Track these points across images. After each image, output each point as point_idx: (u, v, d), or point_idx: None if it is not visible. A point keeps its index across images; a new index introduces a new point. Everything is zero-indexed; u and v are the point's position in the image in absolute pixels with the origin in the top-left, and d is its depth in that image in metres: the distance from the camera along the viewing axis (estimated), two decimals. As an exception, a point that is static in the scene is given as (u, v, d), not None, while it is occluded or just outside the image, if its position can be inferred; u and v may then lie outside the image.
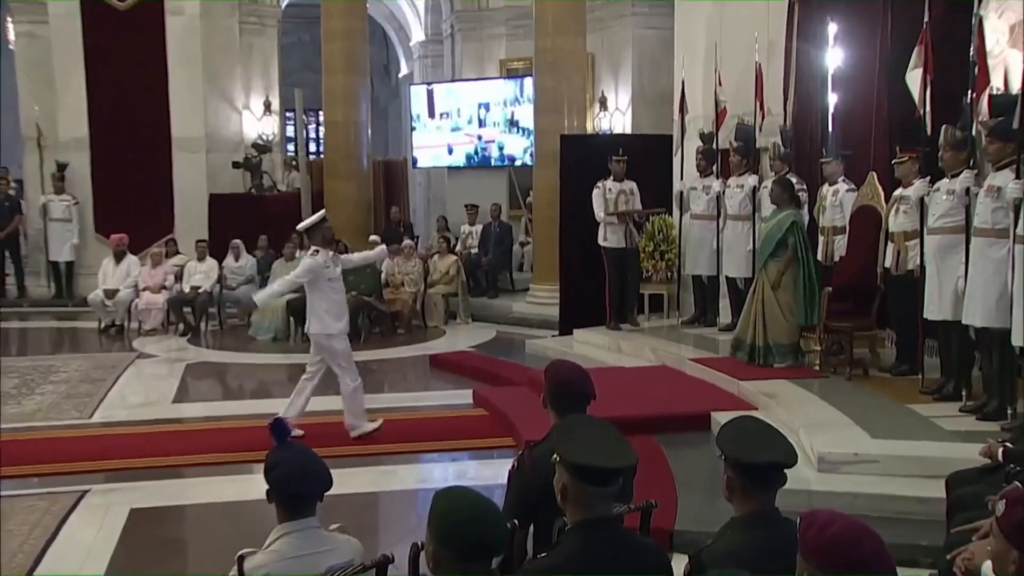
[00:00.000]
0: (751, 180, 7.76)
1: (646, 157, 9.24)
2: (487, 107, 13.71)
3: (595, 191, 7.90)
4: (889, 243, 6.24)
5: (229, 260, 10.85)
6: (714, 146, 8.35)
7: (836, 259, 7.00)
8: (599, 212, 7.87)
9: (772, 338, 6.60)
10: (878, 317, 6.55)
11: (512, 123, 13.63)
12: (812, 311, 6.49)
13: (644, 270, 8.63)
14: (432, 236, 12.83)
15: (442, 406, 6.71)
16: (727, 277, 8.12)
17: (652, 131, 10.68)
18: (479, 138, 13.96)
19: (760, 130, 7.93)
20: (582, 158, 9.21)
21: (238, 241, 10.95)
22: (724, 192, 8.12)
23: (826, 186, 7.23)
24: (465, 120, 13.99)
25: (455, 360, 8.55)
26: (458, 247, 12.49)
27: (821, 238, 7.22)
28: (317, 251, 5.84)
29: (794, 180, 7.50)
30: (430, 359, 8.66)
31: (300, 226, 6.06)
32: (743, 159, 7.96)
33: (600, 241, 8.01)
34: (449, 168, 14.20)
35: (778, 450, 2.04)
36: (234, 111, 12.93)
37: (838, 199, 7.03)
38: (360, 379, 5.98)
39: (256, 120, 13.15)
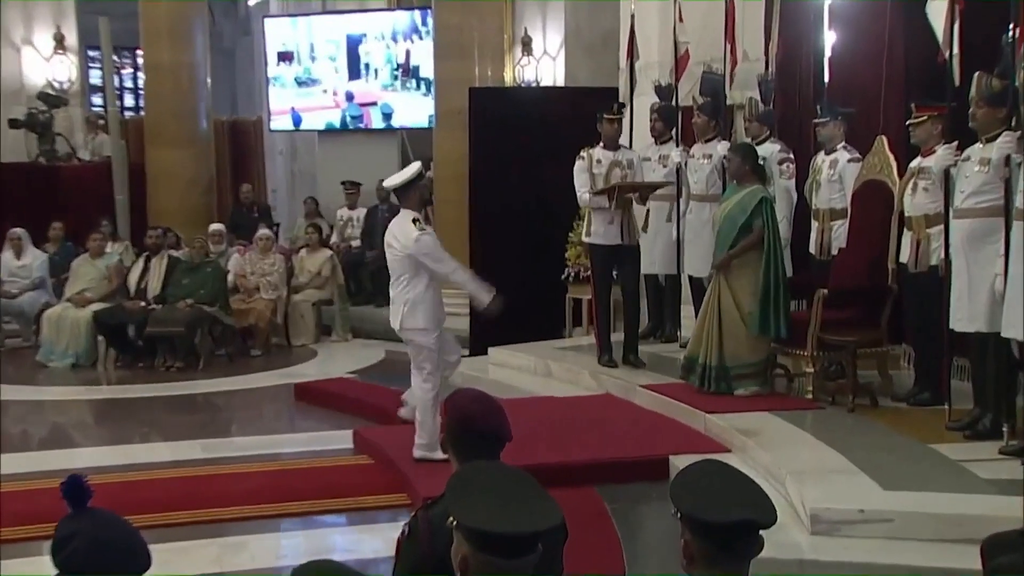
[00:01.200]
0: (721, 147, 7.81)
1: (583, 118, 9.27)
2: (363, 41, 12.80)
3: (577, 164, 7.67)
4: (904, 230, 6.40)
5: (7, 257, 10.69)
6: (673, 102, 8.48)
7: (834, 252, 7.16)
8: (582, 194, 7.61)
9: (730, 355, 6.73)
10: (890, 329, 6.71)
11: (406, 72, 12.82)
12: (773, 320, 6.63)
13: (577, 267, 8.91)
14: (298, 224, 13.01)
15: (311, 453, 6.76)
16: (690, 277, 8.22)
17: (591, 83, 10.76)
18: (349, 98, 13.09)
19: (733, 81, 8.11)
20: (499, 119, 9.41)
21: (20, 230, 10.75)
22: (686, 164, 8.22)
23: (821, 155, 7.36)
24: (325, 68, 12.99)
25: (330, 390, 8.62)
26: (334, 238, 12.48)
27: (815, 224, 7.38)
28: (418, 221, 6.13)
29: (778, 148, 7.77)
30: (295, 389, 8.70)
31: (389, 182, 6.26)
32: (711, 120, 8.06)
33: (584, 236, 7.82)
34: (320, 132, 13.84)
35: (750, 504, 2.04)
36: (9, 47, 12.67)
37: (836, 172, 7.21)
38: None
39: (43, 61, 12.87)
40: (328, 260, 11.09)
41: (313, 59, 13.17)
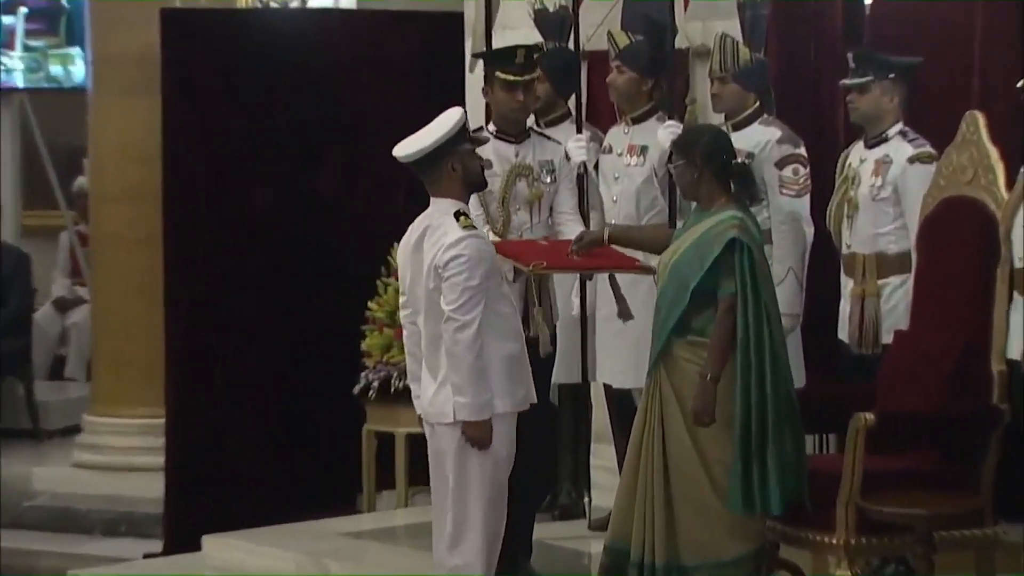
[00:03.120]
0: (666, 134, 7.80)
1: (396, 75, 9.61)
2: None
3: None
4: (1015, 295, 6.55)
5: None
6: (569, 44, 8.53)
7: (887, 340, 7.36)
8: None
9: (688, 544, 6.71)
10: (997, 493, 6.71)
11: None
12: (758, 481, 6.60)
13: (385, 370, 9.17)
14: None
15: None
16: (608, 389, 8.37)
17: (407, 5, 11.05)
18: None
19: (686, 5, 8.30)
20: (224, 71, 9.75)
21: None
22: (596, 167, 8.36)
23: (858, 149, 7.61)
24: None
25: None
26: None
27: (848, 284, 7.58)
28: (463, 215, 6.53)
29: (776, 134, 7.90)
30: None
31: (403, 149, 6.54)
32: (644, 79, 8.16)
33: None
34: None
35: None
36: None
37: (888, 182, 7.42)
38: None
39: None
40: None
41: None
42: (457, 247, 6.36)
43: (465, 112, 6.60)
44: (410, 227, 6.65)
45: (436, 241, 6.45)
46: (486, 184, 6.92)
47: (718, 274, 6.61)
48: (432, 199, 6.60)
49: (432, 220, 6.56)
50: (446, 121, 6.56)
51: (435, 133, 6.53)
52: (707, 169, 6.77)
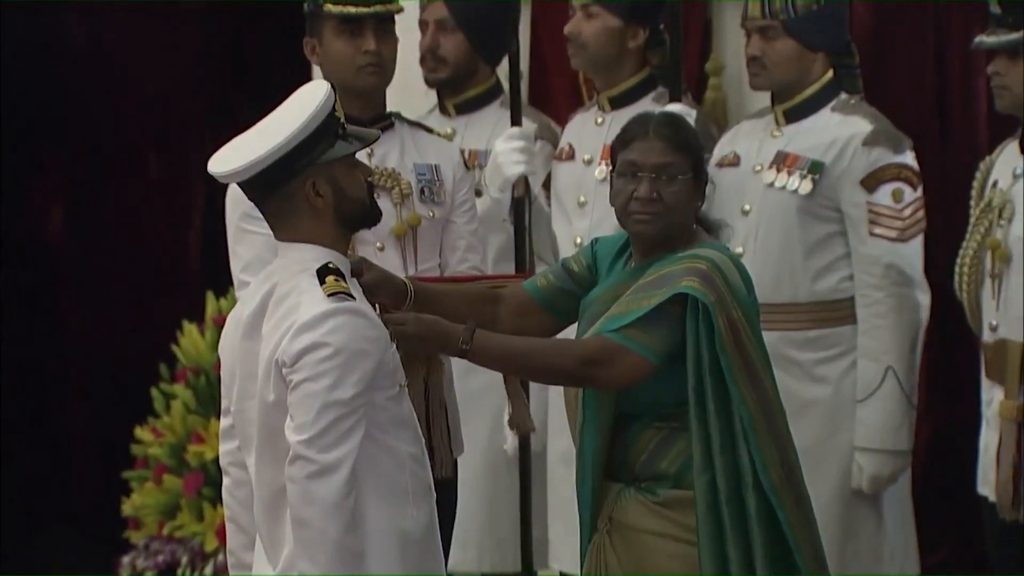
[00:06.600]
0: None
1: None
2: None
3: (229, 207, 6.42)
4: None
5: None
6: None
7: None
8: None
9: None
10: None
11: None
12: None
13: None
14: None
15: None
16: None
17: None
18: None
19: None
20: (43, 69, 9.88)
21: None
22: (548, 183, 7.58)
23: (1008, 158, 6.66)
24: None
25: None
26: None
27: (995, 401, 6.59)
28: (334, 274, 5.31)
29: (862, 128, 7.00)
30: None
31: (228, 163, 5.24)
32: (631, 29, 7.22)
33: None
34: None
35: None
36: None
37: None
38: None
39: None
40: None
41: None
42: (317, 330, 4.79)
43: (333, 89, 4.96)
44: (242, 295, 5.38)
45: (282, 319, 4.91)
46: (377, 214, 5.14)
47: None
48: (280, 245, 5.05)
49: (279, 282, 4.98)
50: (302, 105, 5.01)
51: (283, 129, 4.93)
52: (705, 189, 5.66)
